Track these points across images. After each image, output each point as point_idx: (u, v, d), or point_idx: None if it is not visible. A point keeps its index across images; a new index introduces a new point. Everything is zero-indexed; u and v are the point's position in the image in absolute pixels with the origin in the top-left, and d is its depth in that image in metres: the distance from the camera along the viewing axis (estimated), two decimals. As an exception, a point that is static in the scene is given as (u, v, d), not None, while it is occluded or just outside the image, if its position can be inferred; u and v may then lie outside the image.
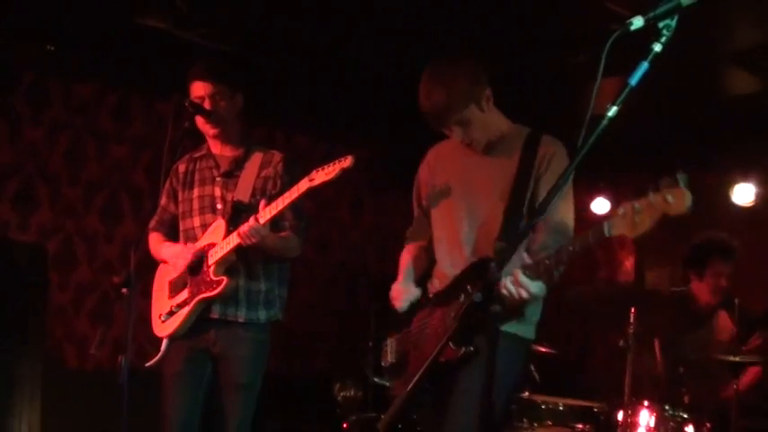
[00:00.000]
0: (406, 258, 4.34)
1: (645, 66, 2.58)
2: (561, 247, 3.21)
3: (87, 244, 7.10)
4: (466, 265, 3.94)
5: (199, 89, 4.62)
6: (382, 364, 4.23)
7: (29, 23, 6.02)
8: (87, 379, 6.61)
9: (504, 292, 3.44)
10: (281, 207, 4.29)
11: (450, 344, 3.62)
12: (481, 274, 3.76)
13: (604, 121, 2.59)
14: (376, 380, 4.29)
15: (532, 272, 3.40)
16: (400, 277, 4.26)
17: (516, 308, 3.75)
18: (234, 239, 4.43)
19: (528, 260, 3.47)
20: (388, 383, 4.21)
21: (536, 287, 3.49)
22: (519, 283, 3.43)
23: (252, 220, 4.31)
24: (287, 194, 4.27)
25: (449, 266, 4.07)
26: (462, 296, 3.82)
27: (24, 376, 5.38)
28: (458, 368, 3.78)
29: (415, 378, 2.84)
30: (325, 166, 4.15)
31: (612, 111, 2.60)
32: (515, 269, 3.42)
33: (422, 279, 4.29)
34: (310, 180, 4.18)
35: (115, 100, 7.29)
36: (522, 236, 2.95)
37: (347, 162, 4.11)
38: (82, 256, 7.08)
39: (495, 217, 3.93)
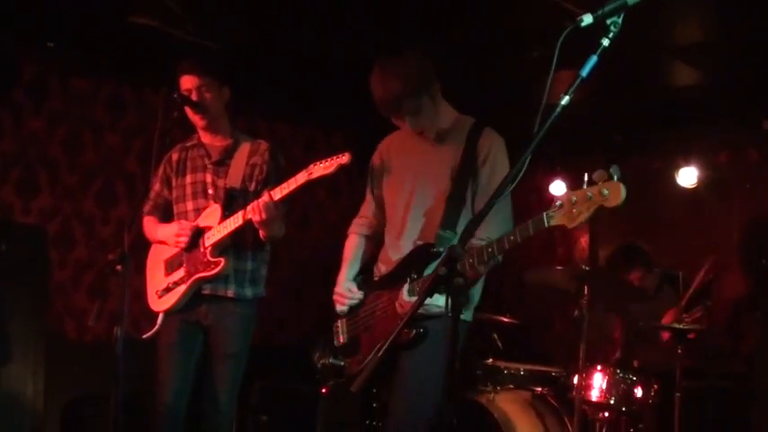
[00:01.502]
0: (350, 251, 4.33)
1: (594, 59, 2.61)
2: (503, 237, 3.14)
3: (85, 225, 7.08)
4: (409, 251, 3.93)
5: (186, 82, 4.63)
6: (335, 344, 4.24)
7: (30, 23, 6.01)
8: (86, 349, 6.61)
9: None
10: (288, 190, 4.27)
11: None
12: (422, 259, 3.80)
13: (558, 109, 2.62)
14: (331, 361, 4.27)
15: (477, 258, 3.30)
16: (342, 272, 4.25)
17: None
18: (231, 224, 4.47)
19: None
20: (342, 363, 4.22)
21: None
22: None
23: (265, 195, 4.31)
24: (291, 181, 4.27)
25: (393, 252, 4.07)
26: (408, 280, 3.81)
27: (29, 347, 5.38)
28: (408, 348, 3.81)
29: (377, 354, 2.83)
30: (324, 161, 4.15)
31: (565, 100, 2.62)
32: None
33: (368, 264, 4.28)
34: (309, 173, 4.19)
35: (109, 92, 7.25)
36: (478, 222, 2.92)
37: (345, 159, 4.10)
38: (80, 236, 7.06)
39: (438, 205, 3.92)
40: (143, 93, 7.35)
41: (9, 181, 6.71)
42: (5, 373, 5.25)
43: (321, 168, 4.15)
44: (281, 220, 4.45)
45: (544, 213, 2.89)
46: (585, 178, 2.71)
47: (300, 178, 4.22)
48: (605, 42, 2.60)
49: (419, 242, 3.94)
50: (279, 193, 4.31)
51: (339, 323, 4.22)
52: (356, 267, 4.26)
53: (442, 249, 3.70)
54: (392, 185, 4.18)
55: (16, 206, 6.73)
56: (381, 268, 4.13)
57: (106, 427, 3.83)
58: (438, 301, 3.24)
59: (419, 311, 3.54)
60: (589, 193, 2.71)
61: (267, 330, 7.75)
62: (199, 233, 4.60)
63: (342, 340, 4.20)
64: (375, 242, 4.29)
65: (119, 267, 4.08)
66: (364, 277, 4.22)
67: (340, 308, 4.19)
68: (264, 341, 7.67)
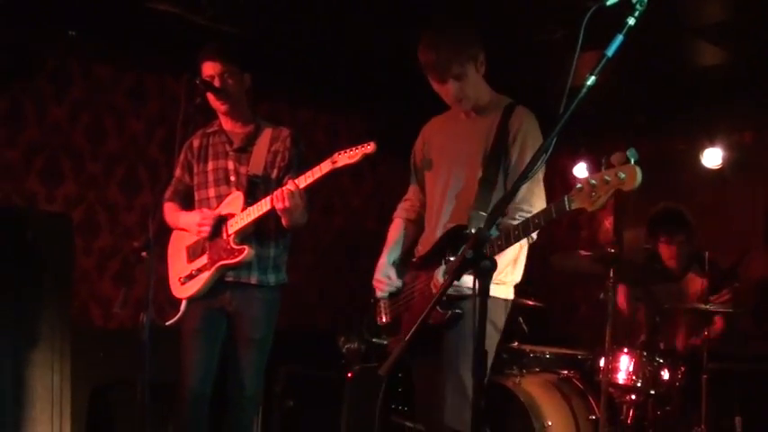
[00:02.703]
0: (392, 235, 4.37)
1: (620, 38, 2.59)
2: (527, 220, 3.20)
3: (108, 213, 7.09)
4: (442, 232, 3.98)
5: (209, 68, 4.63)
6: (377, 323, 4.27)
7: (52, 12, 6.00)
8: (112, 336, 6.64)
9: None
10: (312, 179, 4.28)
11: (438, 307, 3.73)
12: (456, 240, 3.83)
13: (584, 90, 2.60)
14: (374, 340, 4.32)
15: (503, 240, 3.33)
16: (383, 257, 4.28)
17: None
18: (254, 212, 4.48)
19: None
20: (384, 341, 4.27)
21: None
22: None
23: (290, 183, 4.31)
24: (315, 170, 4.27)
25: (432, 234, 4.10)
26: (442, 261, 3.86)
27: (55, 334, 5.40)
28: (445, 329, 3.86)
29: (407, 336, 2.85)
30: (349, 150, 4.16)
31: (591, 80, 2.60)
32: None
33: (410, 247, 4.31)
34: (333, 162, 4.20)
35: (131, 80, 7.25)
36: (504, 205, 2.93)
37: (370, 148, 4.13)
38: (104, 223, 7.07)
39: (471, 186, 3.95)
40: (165, 80, 7.35)
41: (33, 170, 6.72)
42: (32, 361, 5.27)
43: (346, 157, 4.16)
44: (304, 209, 4.44)
45: (565, 197, 2.94)
46: (603, 161, 2.76)
47: (325, 167, 4.23)
48: (631, 21, 2.58)
49: (450, 224, 3.97)
50: (303, 181, 4.31)
51: (381, 302, 4.25)
52: (397, 252, 4.30)
53: (473, 231, 3.72)
54: (431, 169, 4.22)
55: (40, 195, 6.75)
56: (420, 250, 4.18)
57: (133, 413, 3.85)
58: (469, 282, 3.26)
59: (453, 292, 3.58)
60: (606, 177, 2.76)
61: (292, 316, 7.77)
62: (221, 220, 4.60)
63: (384, 320, 4.23)
64: (419, 225, 4.34)
65: (144, 254, 4.10)
66: (404, 259, 4.27)
67: (380, 293, 4.22)
68: (290, 327, 7.70)
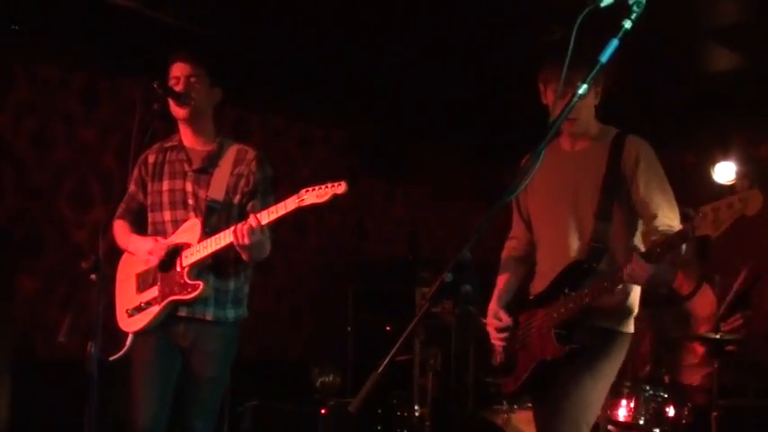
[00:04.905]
0: (502, 277, 4.56)
1: (615, 43, 2.61)
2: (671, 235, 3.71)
3: (56, 229, 7.09)
4: (563, 267, 4.17)
5: (177, 69, 4.63)
6: (492, 363, 4.45)
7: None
8: (57, 368, 6.61)
9: (626, 278, 3.80)
10: (276, 216, 4.30)
11: (555, 342, 4.03)
12: (575, 275, 4.09)
13: (575, 99, 2.62)
14: (489, 379, 4.85)
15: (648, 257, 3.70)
16: (493, 300, 4.48)
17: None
18: (212, 245, 4.45)
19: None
20: (499, 381, 4.54)
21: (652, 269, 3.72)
22: (635, 267, 3.73)
23: (252, 219, 4.32)
24: (280, 206, 4.29)
25: (548, 269, 4.27)
26: (560, 297, 4.09)
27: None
28: (563, 364, 4.07)
29: (380, 369, 2.89)
30: (317, 188, 4.19)
31: (583, 89, 2.63)
32: (634, 254, 3.75)
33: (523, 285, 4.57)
34: (300, 200, 4.21)
35: (83, 82, 7.25)
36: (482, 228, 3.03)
37: (341, 188, 4.16)
38: (50, 241, 7.06)
39: (587, 219, 4.15)
40: (120, 82, 7.35)
41: (-30, 180, 6.71)
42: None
43: (314, 196, 4.19)
44: (266, 243, 4.46)
45: (690, 223, 3.47)
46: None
47: (290, 204, 4.25)
48: (627, 24, 2.60)
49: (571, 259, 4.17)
50: (266, 217, 4.32)
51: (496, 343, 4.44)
52: (508, 294, 4.52)
53: (594, 265, 4.04)
54: (538, 204, 4.40)
55: (-23, 209, 6.74)
56: (536, 287, 4.36)
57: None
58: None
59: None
60: (732, 202, 3.33)
61: (260, 344, 7.76)
62: (176, 250, 4.58)
63: (499, 359, 4.41)
64: (527, 262, 4.53)
65: (93, 276, 4.08)
66: (518, 298, 4.49)
67: (493, 338, 4.41)
68: (258, 356, 7.70)
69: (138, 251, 4.69)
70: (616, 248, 4.06)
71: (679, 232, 3.66)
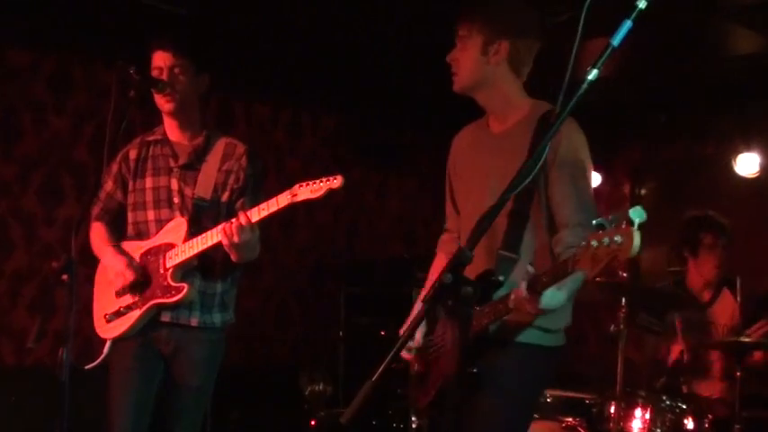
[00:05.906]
0: (432, 274, 4.33)
1: (628, 24, 2.60)
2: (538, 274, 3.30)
3: (24, 227, 7.08)
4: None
5: (158, 59, 4.61)
6: (410, 372, 4.24)
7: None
8: (26, 376, 6.62)
9: (512, 306, 3.47)
10: (267, 212, 4.28)
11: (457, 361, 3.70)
12: (486, 289, 3.57)
13: (584, 86, 2.60)
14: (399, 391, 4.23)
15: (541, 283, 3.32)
16: (419, 300, 4.20)
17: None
18: (198, 245, 4.44)
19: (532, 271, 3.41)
20: (412, 394, 4.28)
21: (548, 298, 3.38)
22: (520, 298, 3.40)
23: (242, 216, 4.31)
24: (272, 202, 4.28)
25: (468, 270, 4.04)
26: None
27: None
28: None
29: (373, 378, 2.83)
30: (312, 183, 4.17)
31: (593, 74, 2.60)
32: (521, 282, 3.39)
33: None
34: (293, 195, 4.20)
35: (53, 67, 7.25)
36: (488, 224, 2.87)
37: (337, 183, 4.14)
38: (18, 240, 7.05)
39: (502, 218, 3.72)
40: (94, 68, 7.35)
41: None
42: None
43: (308, 191, 4.17)
44: (256, 243, 4.46)
45: (571, 257, 2.98)
46: (610, 217, 2.67)
47: (283, 200, 4.23)
48: (641, 4, 2.59)
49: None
50: (257, 214, 4.31)
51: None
52: None
53: (501, 278, 3.53)
54: (462, 191, 4.17)
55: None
56: None
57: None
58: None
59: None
60: (606, 239, 2.67)
61: (246, 349, 7.77)
62: (159, 250, 4.58)
63: (416, 368, 4.21)
64: None
65: (65, 277, 4.07)
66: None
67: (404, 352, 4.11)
68: (244, 361, 7.70)
69: (110, 266, 4.67)
70: (538, 253, 3.72)
71: (561, 263, 3.16)
